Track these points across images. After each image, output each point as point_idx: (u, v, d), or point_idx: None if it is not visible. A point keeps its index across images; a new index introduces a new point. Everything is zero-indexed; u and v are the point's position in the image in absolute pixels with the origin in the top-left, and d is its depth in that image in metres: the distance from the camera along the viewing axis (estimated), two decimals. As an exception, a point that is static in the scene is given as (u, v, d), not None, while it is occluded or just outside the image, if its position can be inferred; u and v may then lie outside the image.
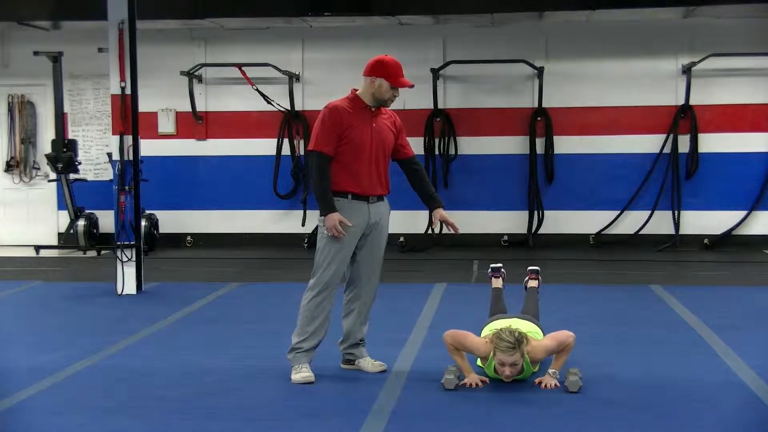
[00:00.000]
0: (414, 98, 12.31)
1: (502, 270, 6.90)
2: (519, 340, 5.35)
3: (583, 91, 12.41)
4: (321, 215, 5.67)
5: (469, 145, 12.54)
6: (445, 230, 6.12)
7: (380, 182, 5.81)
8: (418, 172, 6.01)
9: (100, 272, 10.40)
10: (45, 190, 13.17)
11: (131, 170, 9.01)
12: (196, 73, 12.70)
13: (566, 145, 12.44)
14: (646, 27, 12.17)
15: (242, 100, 12.74)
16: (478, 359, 5.69)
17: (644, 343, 6.66)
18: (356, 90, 5.82)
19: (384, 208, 5.87)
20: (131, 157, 9.00)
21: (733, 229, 12.22)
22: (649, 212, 12.27)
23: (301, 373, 5.68)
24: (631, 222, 12.40)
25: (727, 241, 12.23)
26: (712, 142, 12.24)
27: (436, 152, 12.45)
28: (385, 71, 5.69)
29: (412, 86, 5.78)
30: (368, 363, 5.91)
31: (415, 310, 7.86)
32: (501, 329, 5.45)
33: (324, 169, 5.64)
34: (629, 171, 12.35)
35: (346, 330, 5.94)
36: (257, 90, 12.24)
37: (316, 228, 5.84)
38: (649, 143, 12.32)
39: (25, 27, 12.60)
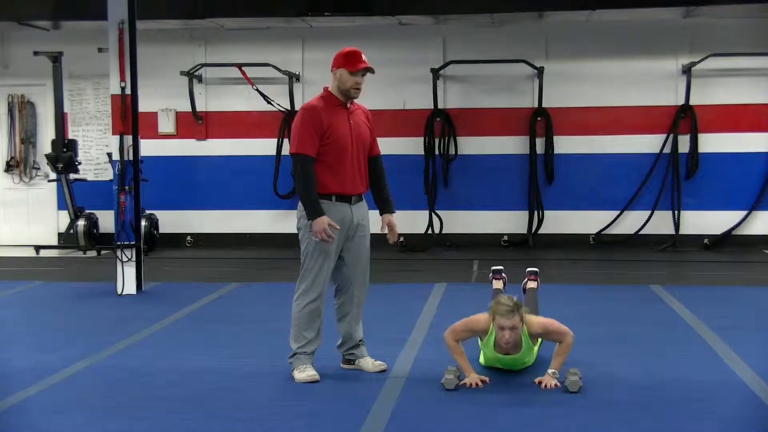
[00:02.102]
0: (414, 98, 12.33)
1: (503, 273, 6.92)
2: (517, 305, 5.53)
3: (583, 91, 12.41)
4: (308, 219, 5.61)
5: (469, 145, 12.53)
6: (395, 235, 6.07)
7: (362, 180, 5.81)
8: (380, 172, 5.99)
9: (100, 272, 10.39)
10: (45, 190, 13.16)
11: (131, 170, 9.01)
12: (196, 73, 12.70)
13: (566, 145, 12.44)
14: (646, 27, 12.16)
15: (242, 100, 12.73)
16: (479, 340, 5.73)
17: (644, 343, 6.66)
18: (327, 88, 5.83)
19: (364, 209, 5.88)
20: (131, 157, 9.00)
21: (733, 229, 12.21)
22: (649, 212, 12.27)
23: (306, 372, 5.67)
24: (631, 222, 12.39)
25: (727, 241, 12.22)
26: (712, 142, 12.24)
27: (436, 152, 12.43)
28: (342, 61, 5.74)
29: (370, 68, 5.73)
30: (368, 363, 5.91)
31: (415, 310, 7.85)
32: (499, 297, 5.64)
33: (309, 172, 5.61)
34: (629, 171, 12.35)
35: (345, 333, 5.94)
36: (257, 90, 12.24)
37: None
38: (649, 143, 12.32)
39: (25, 27, 12.59)
